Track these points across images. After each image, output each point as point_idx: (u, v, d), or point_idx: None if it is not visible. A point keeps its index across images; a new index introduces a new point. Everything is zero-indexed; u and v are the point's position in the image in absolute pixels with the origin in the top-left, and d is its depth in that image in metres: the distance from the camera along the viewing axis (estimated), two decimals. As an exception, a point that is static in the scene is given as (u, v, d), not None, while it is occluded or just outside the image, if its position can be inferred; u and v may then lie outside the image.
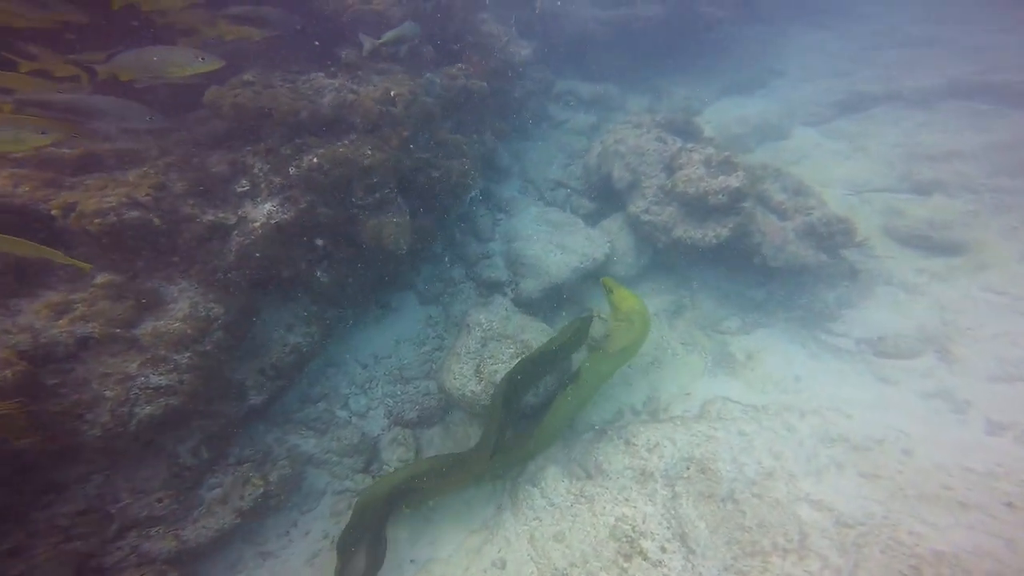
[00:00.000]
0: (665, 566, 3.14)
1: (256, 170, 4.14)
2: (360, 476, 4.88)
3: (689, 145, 6.21)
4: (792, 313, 5.74)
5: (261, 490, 3.87)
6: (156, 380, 3.15)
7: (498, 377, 4.75)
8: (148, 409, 3.06)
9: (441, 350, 5.87)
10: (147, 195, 3.26)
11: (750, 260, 5.66)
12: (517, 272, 6.31)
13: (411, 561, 4.12)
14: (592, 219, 7.28)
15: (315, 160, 3.91)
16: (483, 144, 6.74)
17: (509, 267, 6.46)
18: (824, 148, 8.66)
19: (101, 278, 3.17)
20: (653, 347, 5.69)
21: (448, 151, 5.31)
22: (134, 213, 3.15)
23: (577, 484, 4.15)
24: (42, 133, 2.82)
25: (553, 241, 6.47)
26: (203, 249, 3.60)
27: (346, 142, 4.19)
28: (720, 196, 5.32)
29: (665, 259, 6.69)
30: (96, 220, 3.03)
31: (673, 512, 3.53)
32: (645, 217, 6.19)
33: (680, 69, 10.86)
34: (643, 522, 3.48)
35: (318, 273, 4.58)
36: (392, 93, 4.18)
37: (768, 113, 9.35)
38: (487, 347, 5.01)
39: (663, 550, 3.25)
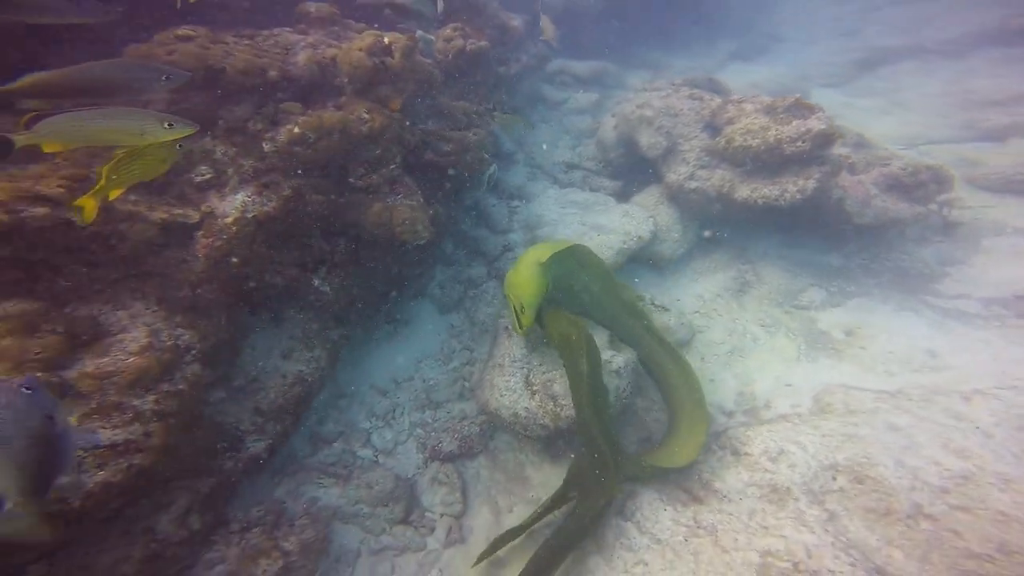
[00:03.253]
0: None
1: (218, 154, 3.28)
2: (400, 528, 3.96)
3: (735, 96, 5.41)
4: (882, 277, 4.87)
5: (280, 563, 2.94)
6: (109, 435, 2.26)
7: (555, 388, 3.85)
8: (101, 475, 2.17)
9: (472, 364, 5.00)
10: (59, 188, 2.38)
11: (817, 222, 4.82)
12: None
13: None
14: (618, 198, 6.49)
15: (296, 130, 3.05)
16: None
17: (537, 258, 5.62)
18: (855, 107, 8.12)
19: (8, 306, 2.29)
20: (727, 333, 4.81)
21: (455, 122, 4.46)
22: (39, 210, 2.27)
23: (685, 512, 3.21)
24: (168, 125, 2.14)
25: (586, 223, 5.63)
26: (158, 259, 2.72)
27: (332, 107, 3.35)
28: (800, 143, 4.47)
29: (715, 232, 5.86)
30: None
31: (843, 539, 2.60)
32: (690, 184, 5.36)
33: (674, 41, 10.40)
34: (807, 556, 2.54)
35: (316, 281, 3.70)
36: (386, 40, 3.34)
37: (781, 77, 8.85)
38: (536, 352, 4.11)
39: (857, 598, 2.33)
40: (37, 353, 2.16)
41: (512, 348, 4.13)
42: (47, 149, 2.13)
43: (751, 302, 5.13)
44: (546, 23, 7.21)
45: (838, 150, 5.29)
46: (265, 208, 3.08)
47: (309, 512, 3.72)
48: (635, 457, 3.56)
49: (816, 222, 4.88)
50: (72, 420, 2.17)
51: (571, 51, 9.71)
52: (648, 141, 5.87)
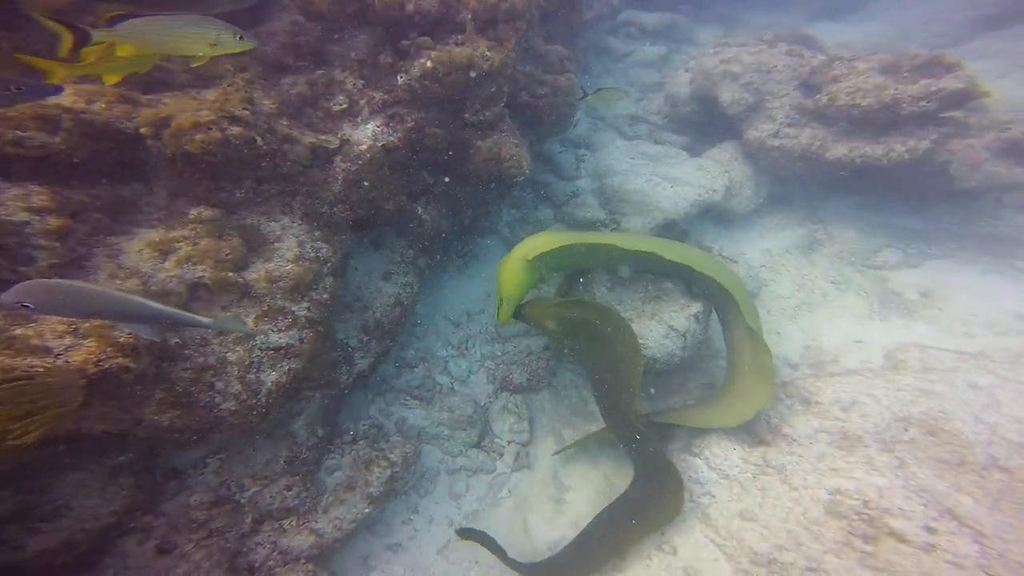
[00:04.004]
0: (944, 550, 2.59)
1: (349, 85, 3.45)
2: (474, 452, 4.40)
3: (844, 54, 5.37)
4: (967, 242, 5.01)
5: (388, 472, 3.36)
6: (276, 339, 2.58)
7: (634, 328, 4.13)
8: (273, 376, 2.51)
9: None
10: (245, 109, 2.60)
11: (906, 184, 4.91)
12: (616, 210, 5.66)
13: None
14: (687, 153, 6.57)
15: (429, 64, 3.19)
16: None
17: (604, 205, 5.81)
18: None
19: (195, 212, 2.57)
20: (795, 287, 5.05)
21: (549, 65, 4.54)
22: (236, 129, 2.49)
23: (754, 453, 3.58)
24: (239, 39, 2.20)
25: (658, 174, 5.78)
26: (305, 177, 2.97)
27: (452, 43, 3.47)
28: (924, 103, 4.49)
29: (784, 191, 5.98)
30: (197, 137, 2.36)
31: (914, 483, 2.95)
32: (773, 142, 5.44)
33: None
34: (879, 496, 2.91)
35: (419, 210, 3.95)
36: None
37: (875, 36, 8.37)
38: (614, 292, 4.40)
39: (931, 531, 2.69)
40: (227, 254, 2.45)
41: (592, 287, 4.40)
42: (120, 52, 2.21)
43: (821, 259, 5.34)
44: None
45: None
46: (391, 138, 3.29)
47: (401, 430, 4.15)
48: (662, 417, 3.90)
49: (904, 184, 4.95)
50: (252, 322, 2.48)
51: (640, 2, 9.43)
52: (731, 97, 5.88)
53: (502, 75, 3.45)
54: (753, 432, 3.79)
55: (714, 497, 3.50)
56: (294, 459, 3.08)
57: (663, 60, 8.65)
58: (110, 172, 2.55)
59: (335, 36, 3.93)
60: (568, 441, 4.58)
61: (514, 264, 3.71)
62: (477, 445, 4.44)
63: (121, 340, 1.91)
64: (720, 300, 4.15)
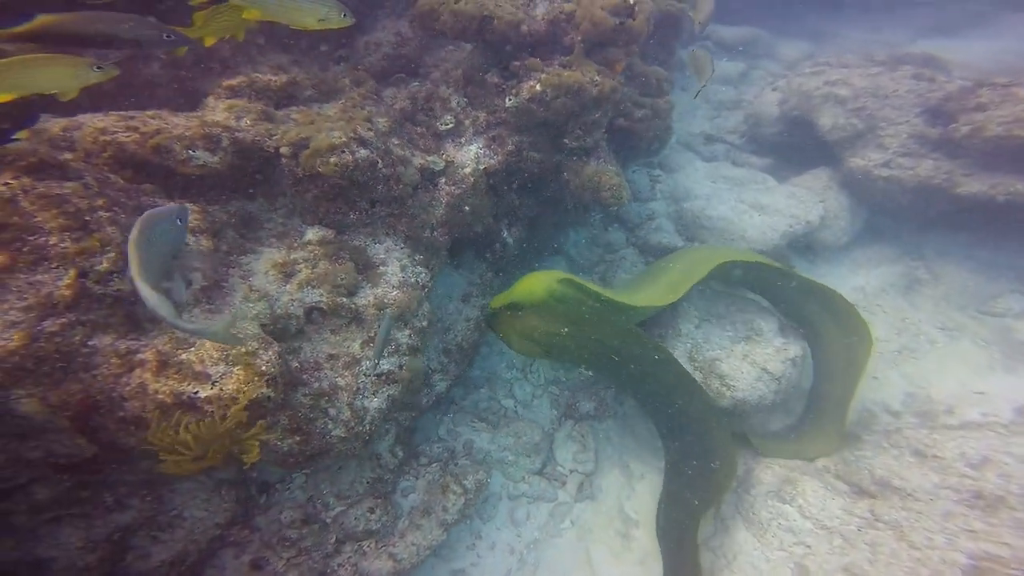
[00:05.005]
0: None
1: (454, 104, 3.53)
2: (536, 479, 4.43)
3: (1002, 80, 5.09)
4: None
5: (463, 500, 3.43)
6: (383, 365, 2.68)
7: (722, 368, 4.07)
8: (375, 402, 2.60)
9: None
10: (369, 130, 2.70)
11: None
12: (695, 237, 5.61)
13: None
14: (767, 173, 6.40)
15: (538, 87, 3.24)
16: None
17: (682, 232, 5.77)
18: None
19: (313, 233, 2.69)
20: (894, 331, 4.86)
21: (648, 87, 4.52)
22: (363, 152, 2.59)
23: (859, 504, 3.48)
24: (344, 16, 2.39)
25: (744, 200, 5.67)
26: (413, 199, 3.06)
27: (557, 66, 3.50)
28: None
29: (880, 222, 5.74)
30: (332, 159, 2.49)
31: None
32: (882, 172, 5.24)
33: (848, 7, 9.37)
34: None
35: (504, 232, 4.00)
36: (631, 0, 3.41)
37: (1008, 56, 7.65)
38: (702, 328, 4.35)
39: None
40: (342, 279, 2.55)
41: (679, 322, 4.36)
42: (246, 15, 2.38)
43: (924, 302, 5.13)
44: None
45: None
46: (492, 161, 3.35)
47: (469, 453, 4.21)
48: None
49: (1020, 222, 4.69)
50: (359, 348, 2.58)
51: (719, 13, 9.16)
52: (833, 122, 5.67)
53: (609, 101, 3.47)
54: (851, 481, 3.68)
55: (810, 548, 3.42)
56: (377, 480, 3.17)
57: (741, 77, 8.50)
58: (242, 188, 2.69)
59: (431, 49, 4.03)
60: (636, 474, 4.56)
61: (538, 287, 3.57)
62: (540, 472, 4.47)
63: (263, 368, 2.01)
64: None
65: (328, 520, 2.86)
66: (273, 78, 2.92)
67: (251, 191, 2.74)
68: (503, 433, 4.43)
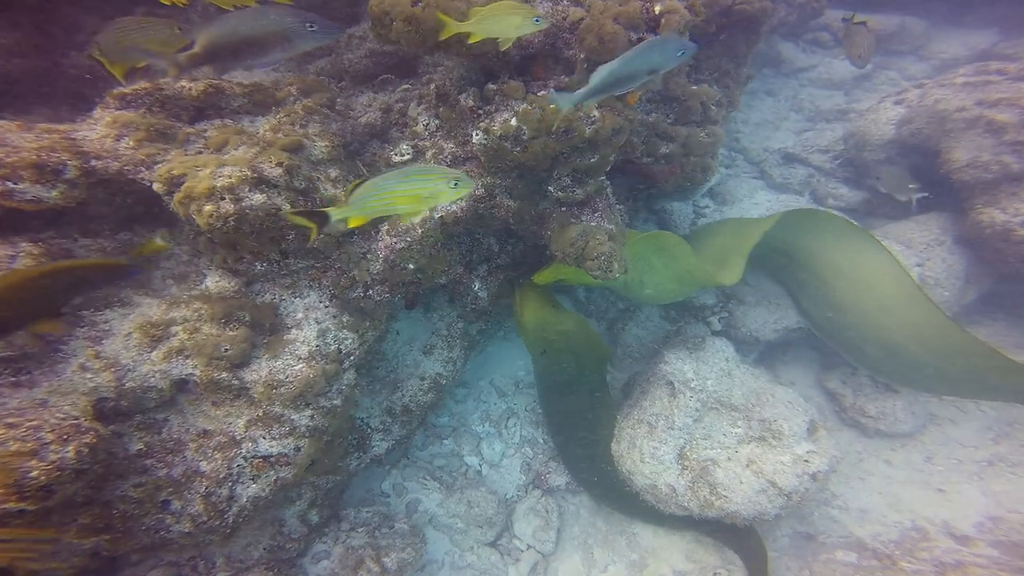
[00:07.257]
0: None
1: (419, 127, 3.20)
2: (487, 551, 4.21)
3: None
4: None
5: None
6: (266, 447, 2.50)
7: (718, 475, 3.60)
8: (253, 489, 2.43)
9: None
10: (279, 165, 2.46)
11: None
12: (734, 294, 4.96)
13: None
14: (857, 216, 5.43)
15: (513, 123, 2.82)
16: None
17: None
18: None
19: (213, 281, 2.52)
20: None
21: (687, 112, 3.94)
22: (257, 197, 2.35)
23: None
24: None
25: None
26: (341, 251, 2.81)
27: (552, 89, 3.06)
28: None
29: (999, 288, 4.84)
30: (206, 208, 2.23)
31: None
32: (1027, 232, 4.25)
33: None
34: None
35: (476, 285, 3.69)
36: (657, 8, 2.88)
37: None
38: (701, 422, 3.86)
39: None
40: (226, 350, 2.36)
41: (673, 413, 3.90)
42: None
43: None
44: None
45: None
46: (452, 208, 3.02)
47: (410, 515, 4.03)
48: None
49: None
50: (243, 428, 2.41)
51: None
52: (971, 156, 4.53)
53: (610, 144, 2.98)
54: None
55: None
56: (277, 548, 3.05)
57: (859, 80, 7.18)
58: (122, 220, 2.54)
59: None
60: (599, 564, 4.23)
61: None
62: (492, 544, 4.25)
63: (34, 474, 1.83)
64: None
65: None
66: (189, 84, 2.71)
67: (150, 223, 2.58)
68: (456, 500, 4.20)
